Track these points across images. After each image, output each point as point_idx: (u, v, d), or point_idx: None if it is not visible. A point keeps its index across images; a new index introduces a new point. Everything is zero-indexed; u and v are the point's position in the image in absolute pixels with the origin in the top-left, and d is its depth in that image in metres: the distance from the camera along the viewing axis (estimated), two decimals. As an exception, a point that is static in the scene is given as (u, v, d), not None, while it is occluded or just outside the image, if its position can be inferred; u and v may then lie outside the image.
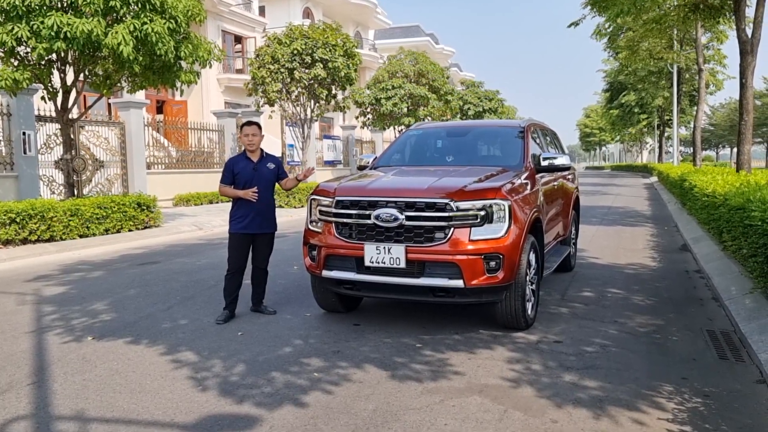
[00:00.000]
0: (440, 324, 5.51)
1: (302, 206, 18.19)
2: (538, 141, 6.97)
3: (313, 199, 5.53)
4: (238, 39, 31.00)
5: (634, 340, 5.03)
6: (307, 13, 35.00)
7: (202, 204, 19.47)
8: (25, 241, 10.23)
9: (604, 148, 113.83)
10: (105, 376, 4.29)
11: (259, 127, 5.91)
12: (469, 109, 34.66)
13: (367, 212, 5.05)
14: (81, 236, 11.06)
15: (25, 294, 7.07)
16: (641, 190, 27.62)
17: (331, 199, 5.29)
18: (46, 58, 10.51)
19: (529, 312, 5.33)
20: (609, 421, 3.51)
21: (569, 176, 7.95)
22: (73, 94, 11.87)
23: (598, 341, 4.99)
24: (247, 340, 5.11)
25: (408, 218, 4.92)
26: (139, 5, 10.21)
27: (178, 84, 11.89)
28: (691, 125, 35.32)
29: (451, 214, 4.86)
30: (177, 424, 3.52)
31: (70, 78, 11.77)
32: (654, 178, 36.76)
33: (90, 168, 15.80)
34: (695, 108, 27.36)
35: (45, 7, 9.69)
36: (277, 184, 6.01)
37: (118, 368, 4.46)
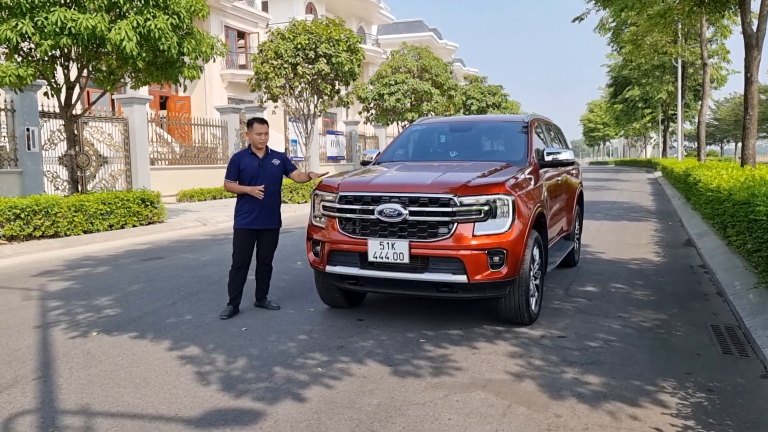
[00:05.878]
0: (444, 319, 5.51)
1: (306, 202, 18.20)
2: (541, 136, 6.96)
3: (317, 194, 5.53)
4: (241, 34, 30.99)
5: (638, 335, 5.03)
6: (310, 9, 34.93)
7: (205, 200, 19.50)
8: (29, 237, 10.27)
9: (607, 143, 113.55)
10: (110, 371, 4.31)
11: (268, 125, 5.92)
12: (472, 104, 34.57)
13: (371, 207, 5.05)
14: (85, 232, 11.09)
15: (30, 289, 7.09)
16: (645, 185, 27.55)
17: (334, 195, 5.29)
18: (50, 54, 10.53)
19: (533, 307, 5.33)
20: (612, 416, 3.51)
21: (573, 171, 7.93)
22: (76, 90, 11.90)
23: (602, 336, 4.99)
24: (251, 335, 5.13)
25: (411, 213, 4.92)
26: (143, 1, 10.22)
27: (181, 80, 11.90)
28: (696, 120, 35.19)
29: (454, 209, 4.86)
30: (182, 419, 3.53)
31: (73, 74, 11.78)
32: (658, 173, 36.68)
33: (94, 164, 15.84)
34: (699, 102, 27.25)
35: (49, 3, 9.70)
36: (286, 178, 6.03)
37: (123, 363, 4.48)
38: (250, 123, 5.86)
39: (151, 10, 10.19)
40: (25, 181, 13.45)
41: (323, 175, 6.11)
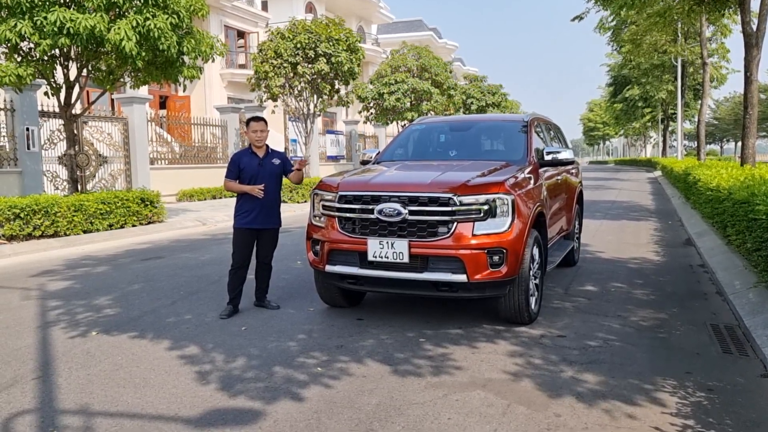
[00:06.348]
0: (443, 318, 5.51)
1: (306, 201, 18.19)
2: (541, 135, 6.96)
3: (316, 194, 5.53)
4: (241, 34, 30.97)
5: (637, 334, 5.03)
6: (310, 8, 34.92)
7: (205, 199, 19.49)
8: (29, 237, 10.26)
9: (607, 143, 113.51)
10: (109, 371, 4.31)
11: (266, 122, 5.91)
12: (472, 103, 34.55)
13: (371, 207, 5.05)
14: (85, 232, 11.08)
15: (30, 289, 7.09)
16: (645, 185, 27.56)
17: (334, 194, 5.29)
18: (49, 53, 10.52)
19: (533, 306, 5.33)
20: (612, 416, 3.51)
21: (573, 170, 7.93)
22: (76, 90, 11.89)
23: (602, 336, 4.99)
24: (250, 334, 5.13)
25: (411, 213, 4.92)
26: (142, 0, 10.21)
27: (181, 79, 11.89)
28: (695, 119, 35.19)
29: (454, 208, 4.86)
30: (181, 418, 3.53)
31: (73, 73, 11.78)
32: (658, 173, 36.68)
33: (93, 163, 15.83)
34: (699, 102, 27.25)
35: (48, 3, 9.69)
36: (285, 179, 6.04)
37: (123, 363, 4.48)
38: (247, 122, 5.88)
39: (150, 9, 10.18)
40: (24, 180, 13.44)
41: (305, 159, 6.10)
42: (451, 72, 29.27)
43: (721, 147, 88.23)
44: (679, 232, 11.41)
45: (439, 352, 4.63)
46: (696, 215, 12.16)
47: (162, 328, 5.34)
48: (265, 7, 34.01)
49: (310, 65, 19.27)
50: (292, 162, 6.04)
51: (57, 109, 13.37)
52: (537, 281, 5.48)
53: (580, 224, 8.70)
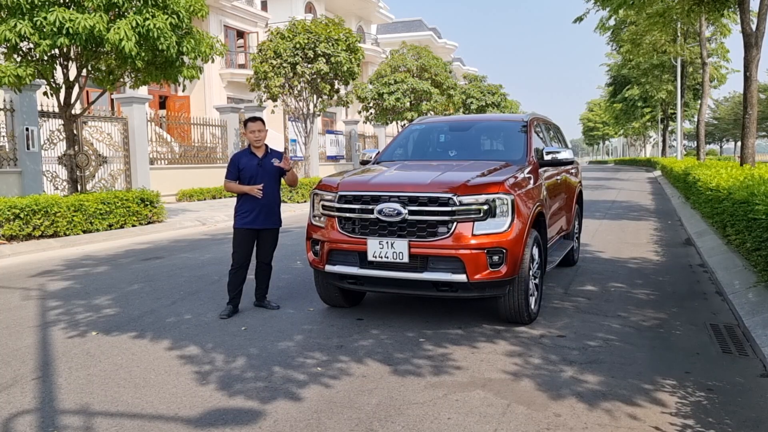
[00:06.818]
0: (443, 318, 5.51)
1: (306, 201, 18.19)
2: (541, 135, 6.96)
3: (316, 194, 5.53)
4: (241, 34, 30.97)
5: (637, 334, 5.03)
6: (310, 8, 34.91)
7: (205, 199, 19.49)
8: (29, 237, 10.26)
9: (607, 143, 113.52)
10: (109, 371, 4.31)
11: (263, 122, 5.91)
12: (471, 103, 34.58)
13: (370, 207, 5.05)
14: (85, 232, 11.08)
15: (30, 289, 7.09)
16: (645, 185, 27.57)
17: (333, 194, 5.30)
18: (49, 54, 10.52)
19: (533, 306, 5.33)
20: (612, 415, 3.51)
21: (572, 170, 7.94)
22: (75, 90, 11.88)
23: (602, 335, 4.99)
24: (250, 334, 5.13)
25: (411, 213, 4.92)
26: (142, 1, 10.21)
27: (181, 79, 11.89)
28: (695, 119, 35.19)
29: (454, 208, 4.86)
30: (181, 418, 3.53)
31: (72, 73, 11.77)
32: (657, 173, 36.69)
33: (93, 163, 15.82)
34: (699, 102, 27.25)
35: (48, 3, 9.68)
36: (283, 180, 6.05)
37: (123, 363, 4.48)
38: (245, 123, 5.89)
39: (150, 9, 10.18)
40: (24, 180, 13.44)
41: (285, 154, 6.07)
42: (450, 72, 29.28)
43: (721, 147, 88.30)
44: (678, 232, 11.41)
45: (439, 351, 4.63)
46: (696, 215, 12.16)
47: (162, 328, 5.34)
48: (264, 7, 34.01)
49: (309, 65, 19.27)
50: (291, 162, 6.01)
51: (57, 109, 13.37)
52: (537, 281, 5.48)
53: (580, 224, 8.70)
